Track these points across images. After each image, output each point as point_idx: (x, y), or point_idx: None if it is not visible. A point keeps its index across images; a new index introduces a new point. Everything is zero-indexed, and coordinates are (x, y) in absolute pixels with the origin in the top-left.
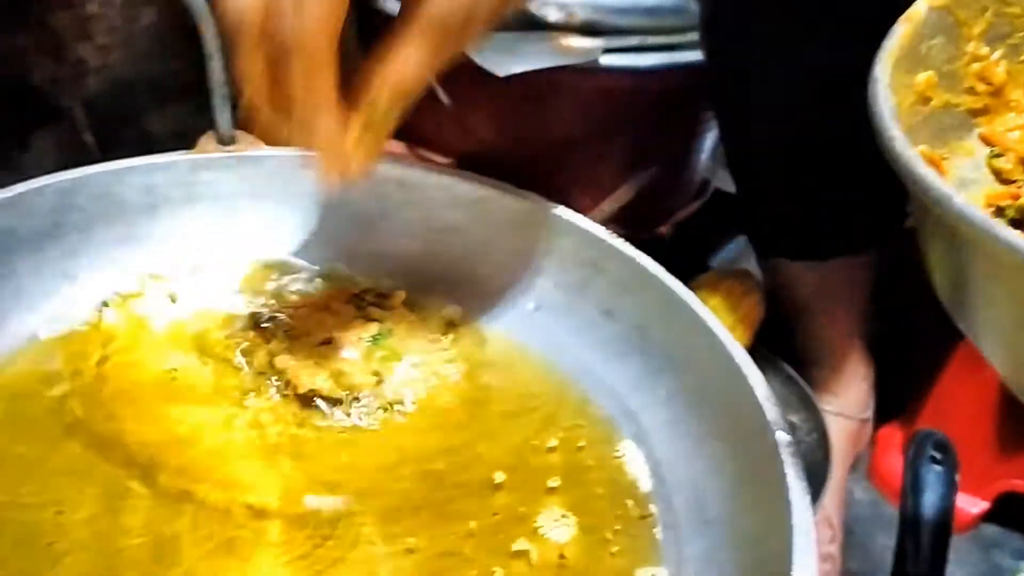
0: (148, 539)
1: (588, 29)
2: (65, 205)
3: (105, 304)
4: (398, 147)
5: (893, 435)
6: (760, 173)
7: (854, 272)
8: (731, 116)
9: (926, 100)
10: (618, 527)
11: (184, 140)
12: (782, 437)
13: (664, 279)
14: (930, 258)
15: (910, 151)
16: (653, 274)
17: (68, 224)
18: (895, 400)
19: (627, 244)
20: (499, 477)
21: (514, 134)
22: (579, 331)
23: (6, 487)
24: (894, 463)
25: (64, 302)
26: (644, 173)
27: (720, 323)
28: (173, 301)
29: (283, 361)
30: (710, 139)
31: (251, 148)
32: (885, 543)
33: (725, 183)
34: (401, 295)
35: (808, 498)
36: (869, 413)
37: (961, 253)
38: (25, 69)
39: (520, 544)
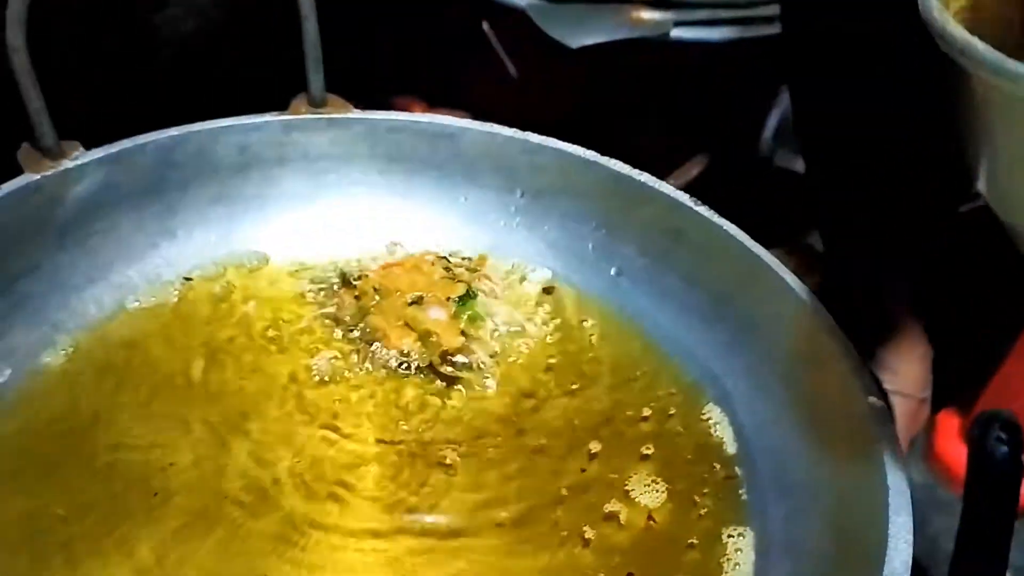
0: (250, 482)
1: (659, 2)
2: (165, 162)
3: (190, 275)
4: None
5: (951, 419)
6: (832, 151)
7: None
8: (805, 89)
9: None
10: (706, 490)
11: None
12: (875, 402)
13: (750, 246)
14: (972, 140)
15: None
16: (739, 241)
17: (167, 181)
18: (952, 388)
19: (711, 211)
20: (595, 447)
21: (581, 106)
22: (662, 297)
23: (116, 431)
24: (951, 447)
25: (163, 258)
26: (710, 149)
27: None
28: (266, 260)
29: (374, 321)
30: (775, 117)
31: (341, 111)
32: (941, 526)
33: (786, 162)
34: (487, 258)
35: (903, 462)
36: (927, 393)
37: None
38: (101, 36)
39: (611, 506)
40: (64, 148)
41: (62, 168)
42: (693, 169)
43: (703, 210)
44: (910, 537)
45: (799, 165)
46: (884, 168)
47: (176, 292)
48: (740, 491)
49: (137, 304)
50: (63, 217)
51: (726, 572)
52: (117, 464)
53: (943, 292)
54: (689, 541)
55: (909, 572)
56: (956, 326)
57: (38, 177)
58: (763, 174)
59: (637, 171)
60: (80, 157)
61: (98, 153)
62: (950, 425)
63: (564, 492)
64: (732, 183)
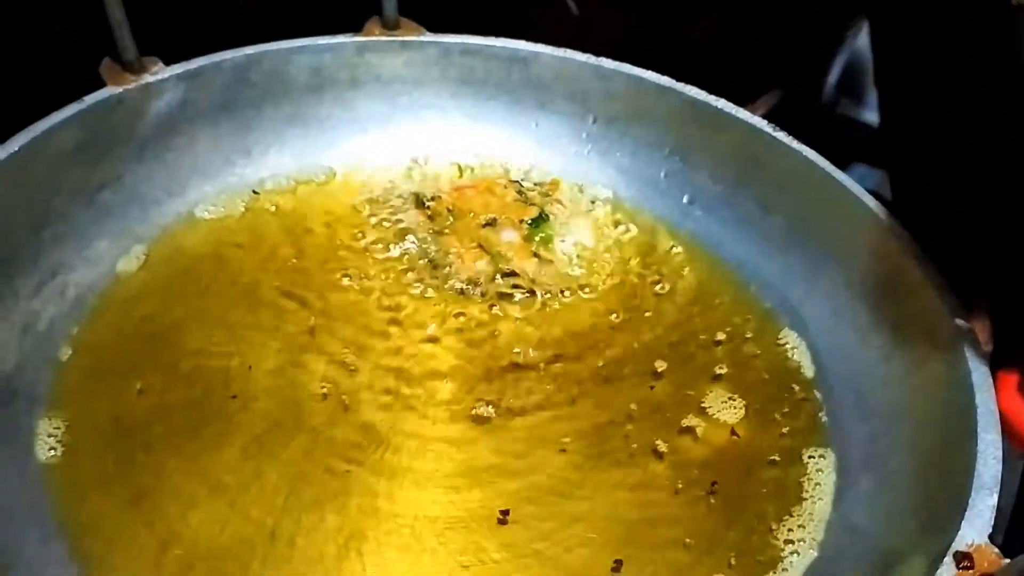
0: (328, 390)
1: None
2: (240, 80)
3: (261, 190)
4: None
5: (1012, 378)
6: (911, 99)
7: None
8: (888, 36)
9: None
10: (785, 410)
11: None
12: (962, 324)
13: (831, 171)
14: None
15: None
16: (819, 166)
17: (242, 99)
18: (1012, 347)
19: (790, 137)
20: (660, 365)
21: (646, 42)
22: (736, 225)
23: (197, 337)
24: (1012, 404)
25: (237, 175)
26: (777, 89)
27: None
28: (337, 180)
29: (448, 242)
30: (839, 64)
31: (414, 34)
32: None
33: (849, 111)
34: (558, 182)
35: (992, 381)
36: (988, 348)
37: None
38: None
39: (688, 421)
40: (144, 63)
41: (143, 82)
42: (764, 105)
43: (782, 136)
44: (999, 453)
45: (863, 114)
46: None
47: (248, 207)
48: (819, 414)
49: (210, 216)
50: (143, 131)
51: (806, 491)
52: (199, 369)
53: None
54: (770, 458)
55: (998, 487)
56: (1016, 283)
57: (120, 90)
58: (826, 121)
59: (713, 97)
60: (160, 72)
61: (177, 69)
62: (1011, 383)
63: (634, 407)
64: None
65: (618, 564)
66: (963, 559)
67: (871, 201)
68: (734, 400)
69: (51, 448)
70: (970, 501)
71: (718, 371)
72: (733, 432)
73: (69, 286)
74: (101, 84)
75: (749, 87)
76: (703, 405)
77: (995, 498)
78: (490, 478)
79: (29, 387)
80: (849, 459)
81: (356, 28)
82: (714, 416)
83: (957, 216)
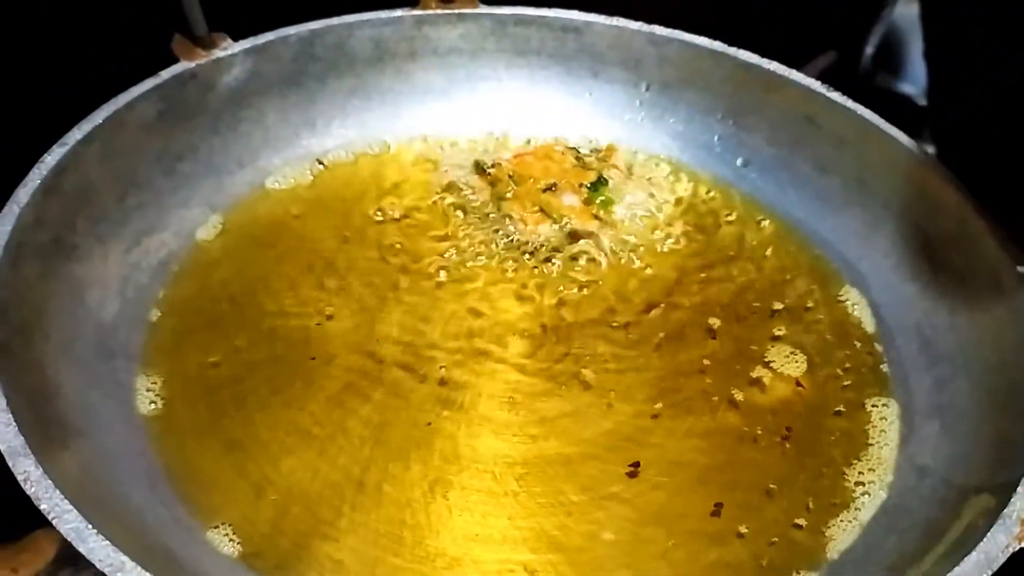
0: (405, 347)
1: None
2: (305, 54)
3: (326, 161)
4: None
5: None
6: (958, 71)
7: None
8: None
9: None
10: (847, 365)
11: None
12: None
13: (888, 130)
14: None
15: None
16: (875, 125)
17: (307, 73)
18: None
19: (845, 97)
20: (721, 324)
21: (697, 9)
22: (792, 186)
23: (275, 299)
24: None
25: (303, 147)
26: (822, 58)
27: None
28: (399, 151)
29: (510, 207)
30: (876, 35)
31: (469, 6)
32: None
33: (886, 83)
34: (615, 147)
35: None
36: None
37: None
38: None
39: (756, 373)
40: (214, 39)
41: (213, 57)
42: (816, 68)
43: (837, 96)
44: None
45: (900, 86)
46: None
47: (315, 176)
48: (881, 366)
49: (280, 187)
50: (216, 104)
51: (872, 437)
52: (279, 329)
53: None
54: (835, 409)
55: None
56: None
57: (192, 65)
58: (862, 92)
59: (766, 60)
60: (229, 48)
61: (245, 44)
62: None
63: (703, 362)
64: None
65: (718, 507)
66: None
67: (929, 157)
68: (796, 355)
69: (151, 402)
70: None
71: (779, 328)
72: (798, 384)
73: (154, 251)
74: (173, 60)
75: (798, 53)
76: (767, 360)
77: None
78: (564, 427)
79: (124, 346)
80: (914, 406)
81: (415, 2)
82: (779, 370)
83: (1006, 191)
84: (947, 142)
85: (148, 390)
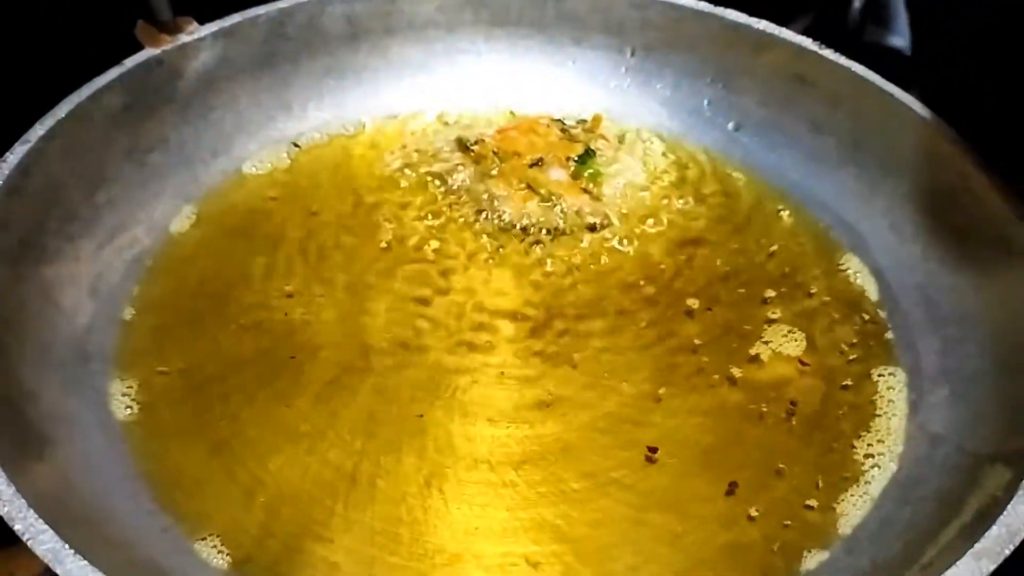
0: (393, 335)
1: None
2: (276, 34)
3: (303, 144)
4: None
5: None
6: (942, 25)
7: None
8: None
9: None
10: (851, 333)
11: None
12: None
13: (883, 85)
14: None
15: None
16: (870, 81)
17: (279, 54)
18: None
19: (837, 54)
20: (719, 295)
21: None
22: (786, 148)
23: (256, 291)
24: None
25: (279, 130)
26: (805, 16)
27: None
28: (378, 129)
29: (496, 184)
30: None
31: None
32: None
33: (875, 37)
34: (601, 117)
35: None
36: None
37: None
38: None
39: (755, 349)
40: (179, 23)
41: (180, 43)
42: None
43: (828, 53)
44: None
45: (890, 40)
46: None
47: (293, 161)
48: (886, 334)
49: (256, 172)
50: (185, 91)
51: (880, 408)
52: (262, 322)
53: None
54: (842, 382)
55: None
56: None
57: (158, 52)
58: (852, 49)
59: (755, 19)
60: (195, 32)
61: (212, 27)
62: None
63: (698, 340)
64: None
65: (732, 486)
66: None
67: (926, 112)
68: (795, 332)
69: (127, 407)
70: None
71: (777, 301)
72: (801, 362)
73: (127, 247)
74: (138, 48)
75: (780, 12)
76: (764, 337)
77: None
78: (562, 411)
79: (100, 348)
80: (921, 373)
81: None
82: (778, 350)
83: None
84: (935, 96)
85: (124, 395)
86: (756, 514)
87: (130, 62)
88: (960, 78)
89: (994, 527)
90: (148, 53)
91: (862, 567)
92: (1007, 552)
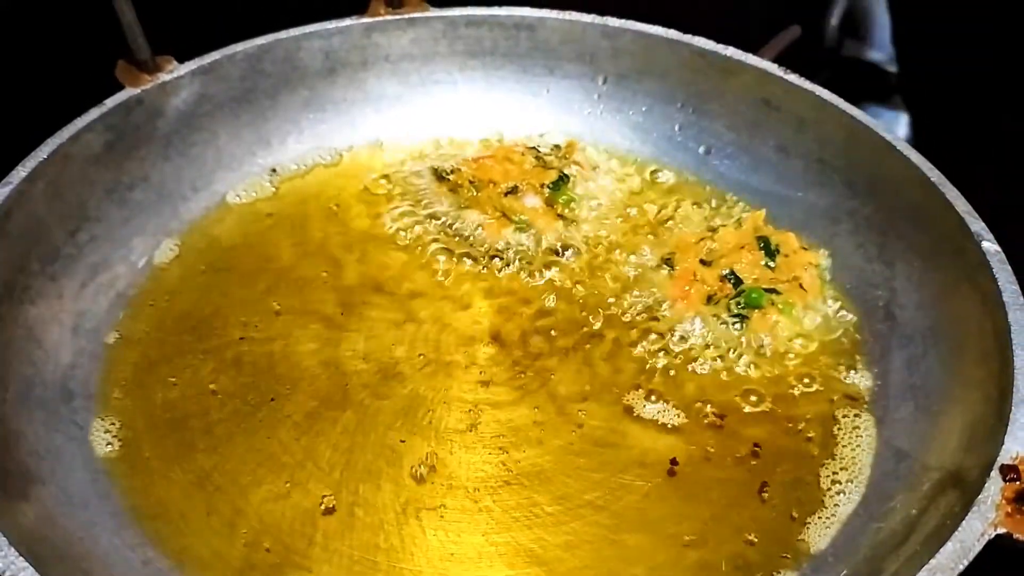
0: (371, 366)
1: None
2: (254, 71)
3: (283, 175)
4: None
5: None
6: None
7: None
8: None
9: None
10: (824, 345)
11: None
12: (989, 247)
13: (846, 109)
14: None
15: None
16: (834, 105)
17: (258, 90)
18: None
19: (802, 79)
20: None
21: None
22: (755, 171)
23: (238, 324)
24: None
25: (259, 165)
26: (786, 33)
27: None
28: (356, 161)
29: (472, 213)
30: (840, 4)
31: (419, 9)
32: None
33: (854, 52)
34: (575, 144)
35: (1022, 298)
36: None
37: None
38: None
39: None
40: (159, 62)
41: (159, 81)
42: (776, 46)
43: (794, 78)
44: None
45: (869, 54)
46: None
47: (273, 194)
48: (853, 352)
49: (238, 206)
50: (165, 129)
51: (846, 425)
52: (244, 355)
53: None
54: (810, 399)
55: None
56: None
57: (138, 91)
58: (830, 64)
59: (722, 45)
60: (175, 70)
61: (191, 65)
62: None
63: (677, 360)
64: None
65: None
66: (1009, 472)
67: (888, 134)
68: (764, 348)
69: (108, 444)
70: (1011, 416)
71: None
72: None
73: (110, 284)
74: (118, 87)
75: (754, 35)
76: (739, 356)
77: None
78: (537, 436)
79: (83, 385)
80: (888, 387)
81: (363, 9)
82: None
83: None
84: (919, 107)
85: (106, 432)
86: (728, 535)
87: (111, 102)
88: (943, 86)
89: (948, 543)
90: (128, 92)
91: None
92: (961, 568)
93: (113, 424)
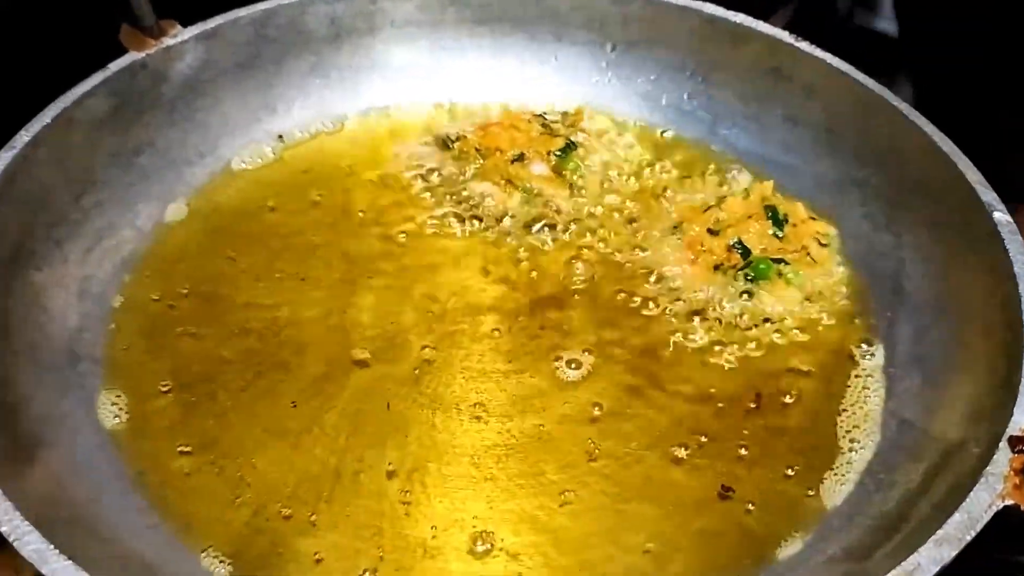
0: (377, 332)
1: None
2: (259, 36)
3: (289, 142)
4: None
5: None
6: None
7: None
8: None
9: None
10: (826, 318)
11: None
12: (1001, 218)
13: (858, 78)
14: None
15: None
16: (845, 73)
17: (263, 55)
18: None
19: (813, 46)
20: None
21: None
22: (764, 140)
23: (244, 291)
24: None
25: (265, 131)
26: (790, 4)
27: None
28: (363, 128)
29: (478, 180)
30: None
31: None
32: None
33: (865, 21)
34: (582, 111)
35: None
36: None
37: None
38: None
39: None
40: (163, 26)
41: (163, 45)
42: (781, 19)
43: (804, 45)
44: None
45: (879, 24)
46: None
47: (279, 161)
48: (857, 319)
49: (244, 173)
50: (170, 94)
51: (854, 396)
52: (249, 320)
53: None
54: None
55: None
56: None
57: (142, 55)
58: (841, 34)
59: (732, 12)
60: (179, 35)
61: (195, 30)
62: None
63: (675, 326)
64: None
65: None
66: (1017, 443)
67: (899, 103)
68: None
69: (116, 409)
70: (1021, 387)
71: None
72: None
73: (116, 249)
74: (122, 52)
75: (763, 3)
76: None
77: None
78: (543, 404)
79: (89, 350)
80: (895, 358)
81: None
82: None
83: (984, 118)
84: (922, 79)
85: (113, 404)
86: (731, 495)
87: (114, 66)
88: (947, 61)
89: (956, 513)
90: (132, 57)
91: (833, 554)
92: (968, 538)
93: (119, 396)
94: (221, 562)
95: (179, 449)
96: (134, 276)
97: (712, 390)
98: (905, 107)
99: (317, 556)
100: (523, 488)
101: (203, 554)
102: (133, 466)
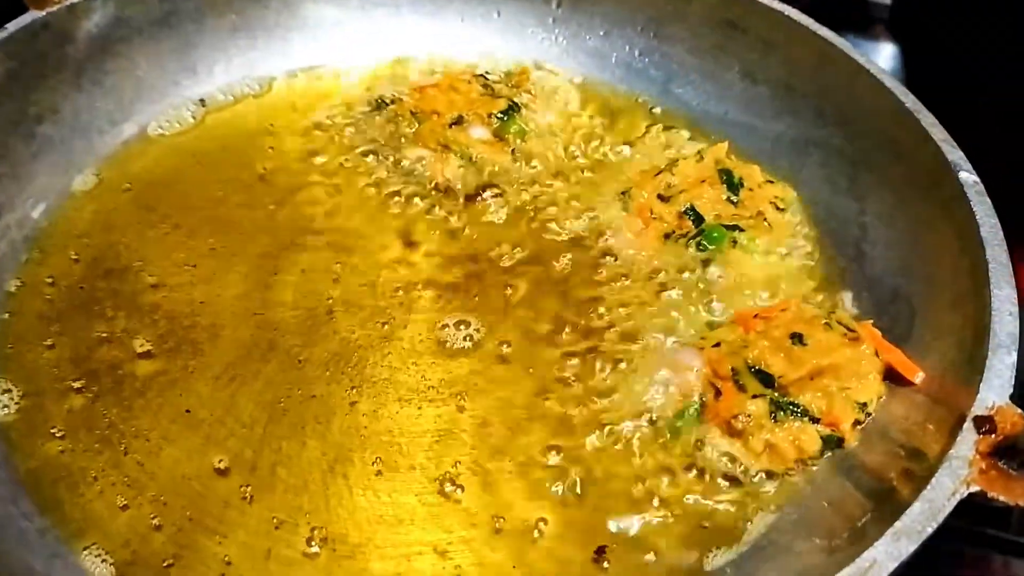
0: (301, 311)
1: None
2: None
3: (209, 106)
4: None
5: None
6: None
7: None
8: None
9: None
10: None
11: None
12: (967, 177)
13: (817, 30)
14: None
15: None
16: (804, 26)
17: (181, 13)
18: None
19: None
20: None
21: None
22: (719, 98)
23: (156, 268)
24: None
25: (183, 96)
26: None
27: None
28: (291, 90)
29: (414, 146)
30: None
31: None
32: None
33: None
34: (528, 71)
35: (1001, 234)
36: None
37: None
38: None
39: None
40: None
41: (67, 3)
42: None
43: None
44: (1015, 309)
45: None
46: None
47: (199, 125)
48: (815, 290)
49: (160, 139)
50: (76, 56)
51: None
52: (161, 302)
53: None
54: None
55: (1016, 344)
56: None
57: (43, 14)
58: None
59: None
60: None
61: None
62: None
63: (621, 308)
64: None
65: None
66: (984, 423)
67: (861, 58)
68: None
69: (4, 406)
70: (988, 362)
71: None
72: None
73: (16, 227)
74: (21, 10)
75: None
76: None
77: (1014, 356)
78: (479, 388)
79: None
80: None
81: None
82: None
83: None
84: (911, 44)
85: (4, 392)
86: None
87: (12, 26)
88: (936, 26)
89: (916, 503)
90: (32, 16)
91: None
92: (929, 530)
93: (12, 386)
94: (116, 570)
95: (77, 445)
96: (34, 255)
97: (662, 351)
98: (866, 61)
99: (225, 559)
100: (453, 479)
101: (96, 564)
102: (25, 465)
